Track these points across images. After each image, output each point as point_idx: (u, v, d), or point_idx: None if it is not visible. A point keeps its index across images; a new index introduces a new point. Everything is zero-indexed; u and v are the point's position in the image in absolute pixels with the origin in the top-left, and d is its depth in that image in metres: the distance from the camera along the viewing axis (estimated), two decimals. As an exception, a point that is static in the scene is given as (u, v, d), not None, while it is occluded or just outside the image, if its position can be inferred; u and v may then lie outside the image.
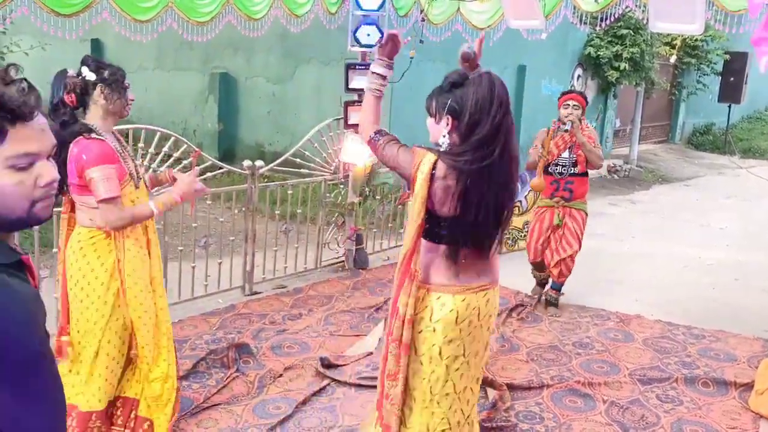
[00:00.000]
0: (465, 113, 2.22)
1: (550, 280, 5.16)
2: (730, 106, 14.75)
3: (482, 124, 2.19)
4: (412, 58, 5.16)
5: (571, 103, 4.80)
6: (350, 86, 5.31)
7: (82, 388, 2.81)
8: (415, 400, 2.42)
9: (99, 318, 2.78)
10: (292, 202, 5.50)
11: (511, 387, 3.81)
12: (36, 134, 1.22)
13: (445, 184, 2.25)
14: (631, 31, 10.97)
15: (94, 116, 2.75)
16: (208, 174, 4.91)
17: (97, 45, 11.75)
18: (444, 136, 2.30)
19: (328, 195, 5.76)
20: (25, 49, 7.95)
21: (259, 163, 5.08)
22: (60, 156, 2.57)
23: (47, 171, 1.24)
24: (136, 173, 2.88)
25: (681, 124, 16.11)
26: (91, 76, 2.71)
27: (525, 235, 6.95)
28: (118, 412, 2.94)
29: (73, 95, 2.69)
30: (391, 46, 2.48)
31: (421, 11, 5.25)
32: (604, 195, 10.35)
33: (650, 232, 8.14)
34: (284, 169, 5.45)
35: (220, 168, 5.09)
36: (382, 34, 5.22)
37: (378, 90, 2.50)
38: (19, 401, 1.16)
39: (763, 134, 16.64)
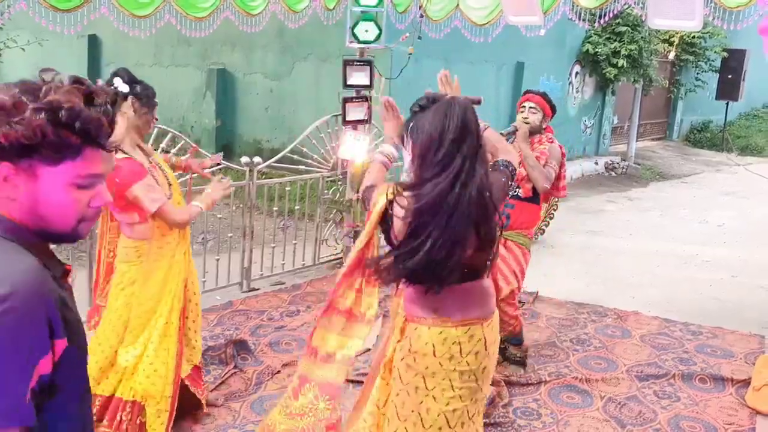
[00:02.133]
0: (419, 138, 2.05)
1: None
2: (727, 104, 14.76)
3: (432, 152, 2.00)
4: (410, 54, 5.16)
5: (527, 105, 3.92)
6: (348, 82, 5.30)
7: None
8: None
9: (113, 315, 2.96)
10: (290, 199, 5.50)
11: (509, 383, 3.82)
12: (106, 157, 1.25)
13: (402, 216, 2.05)
14: (629, 28, 10.97)
15: (117, 131, 2.78)
16: (206, 170, 4.90)
17: (94, 41, 11.72)
18: (409, 164, 2.12)
19: (326, 192, 5.76)
20: (22, 45, 7.93)
21: (257, 159, 5.07)
22: None
23: (102, 194, 1.28)
24: (167, 184, 2.96)
25: (679, 121, 16.13)
26: (124, 88, 2.76)
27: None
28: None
29: None
30: (392, 113, 2.36)
31: (420, 7, 5.24)
32: (602, 192, 10.36)
33: (648, 229, 8.15)
34: (282, 165, 5.45)
35: (218, 164, 5.08)
36: (380, 30, 5.22)
37: (386, 161, 2.37)
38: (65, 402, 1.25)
39: (761, 132, 16.65)
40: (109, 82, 2.77)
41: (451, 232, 1.99)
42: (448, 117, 2.00)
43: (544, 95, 3.98)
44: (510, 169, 2.26)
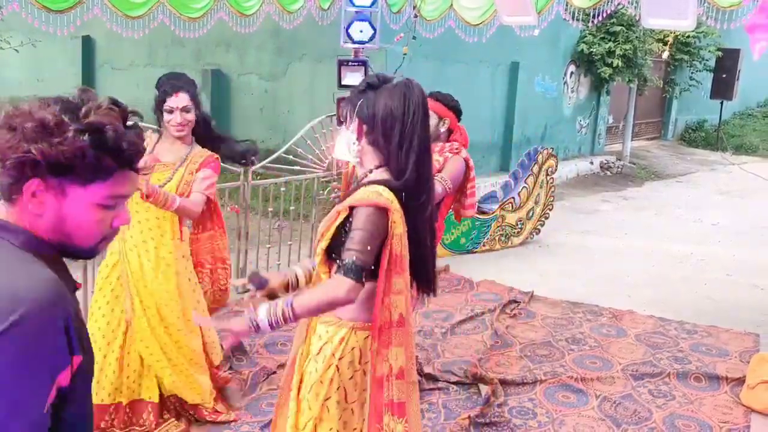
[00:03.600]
0: (376, 120, 1.97)
1: None
2: (722, 103, 14.79)
3: (397, 133, 1.94)
4: (405, 54, 5.16)
5: None
6: (343, 83, 5.29)
7: None
8: None
9: None
10: (285, 199, 5.49)
11: (504, 383, 3.82)
12: (132, 178, 1.25)
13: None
14: (623, 28, 10.99)
15: None
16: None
17: (88, 42, 11.68)
18: (353, 143, 2.03)
19: (321, 192, 5.75)
20: (15, 46, 7.90)
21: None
22: None
23: (124, 214, 1.28)
24: (162, 181, 3.02)
25: (673, 120, 16.17)
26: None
27: (518, 232, 6.97)
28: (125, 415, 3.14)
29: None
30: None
31: (414, 7, 5.24)
32: (597, 192, 10.38)
33: (643, 228, 8.16)
34: (277, 166, 5.44)
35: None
36: (374, 30, 5.22)
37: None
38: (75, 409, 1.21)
39: (755, 131, 16.71)
40: None
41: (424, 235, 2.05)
42: (408, 97, 1.95)
43: (440, 97, 3.50)
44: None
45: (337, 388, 2.01)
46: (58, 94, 1.22)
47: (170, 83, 3.00)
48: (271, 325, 1.91)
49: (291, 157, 5.47)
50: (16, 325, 1.04)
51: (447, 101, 3.53)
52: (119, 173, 1.20)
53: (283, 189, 5.47)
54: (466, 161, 3.51)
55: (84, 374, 1.21)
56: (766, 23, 2.76)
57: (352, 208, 1.94)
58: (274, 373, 3.83)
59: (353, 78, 5.32)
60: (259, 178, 5.52)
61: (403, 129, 1.93)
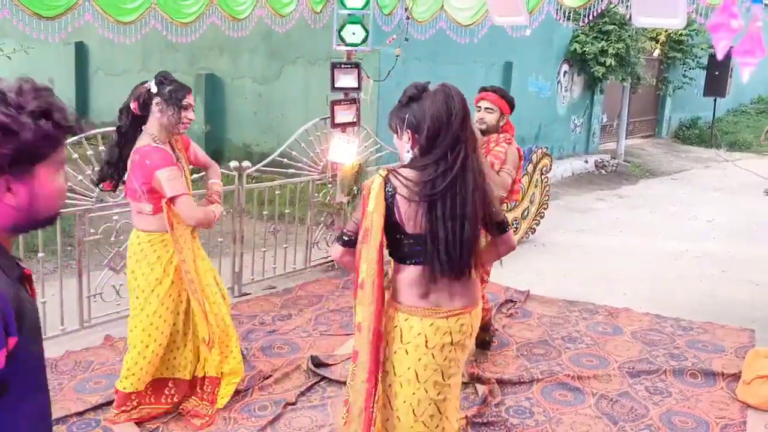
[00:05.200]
0: (423, 127, 2.15)
1: None
2: (715, 100, 14.85)
3: (441, 137, 2.13)
4: (397, 56, 5.17)
5: (483, 104, 3.81)
6: (336, 85, 5.30)
7: (129, 371, 3.18)
8: (399, 421, 2.31)
9: (147, 306, 3.13)
10: (280, 203, 5.49)
11: (501, 382, 3.83)
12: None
13: (408, 198, 2.16)
14: (616, 27, 11.03)
15: (151, 126, 3.04)
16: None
17: (81, 48, 11.68)
18: (408, 152, 2.25)
19: (316, 195, 5.75)
20: (8, 53, 7.87)
21: (246, 163, 5.07)
22: (120, 157, 3.08)
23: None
24: (187, 183, 3.17)
25: (667, 118, 16.21)
26: (153, 89, 3.00)
27: (513, 232, 6.98)
28: (170, 391, 3.33)
29: (136, 103, 3.01)
30: None
31: (406, 9, 5.25)
32: (592, 190, 10.40)
33: (638, 226, 8.18)
34: (272, 169, 5.43)
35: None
36: (367, 32, 5.23)
37: None
38: (19, 407, 1.24)
39: (749, 127, 16.76)
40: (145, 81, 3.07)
41: (461, 215, 2.14)
42: (449, 102, 2.13)
43: (499, 91, 3.83)
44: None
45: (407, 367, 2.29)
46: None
47: (175, 80, 3.05)
48: None
49: (285, 160, 5.47)
50: None
51: (507, 97, 3.84)
52: (64, 138, 1.30)
53: (277, 192, 5.47)
54: (518, 150, 3.81)
55: (24, 365, 1.23)
56: (729, 22, 2.80)
57: None
58: (270, 376, 3.82)
59: (346, 80, 5.33)
60: (253, 181, 5.52)
61: (447, 132, 2.12)
